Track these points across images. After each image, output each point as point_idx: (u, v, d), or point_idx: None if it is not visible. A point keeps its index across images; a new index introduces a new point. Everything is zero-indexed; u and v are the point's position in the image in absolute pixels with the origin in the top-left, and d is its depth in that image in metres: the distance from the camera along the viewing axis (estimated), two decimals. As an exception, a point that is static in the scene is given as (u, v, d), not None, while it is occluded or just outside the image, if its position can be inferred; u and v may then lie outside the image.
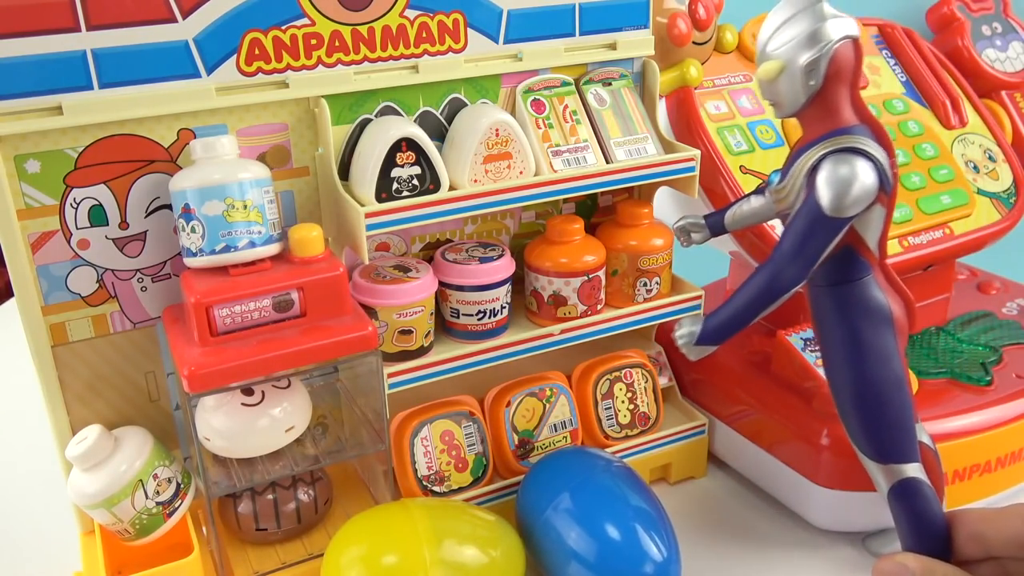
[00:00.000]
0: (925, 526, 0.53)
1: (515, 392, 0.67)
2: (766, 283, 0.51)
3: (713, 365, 0.75)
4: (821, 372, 0.67)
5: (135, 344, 0.59)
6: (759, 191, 0.60)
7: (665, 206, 0.77)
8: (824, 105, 0.51)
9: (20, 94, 0.51)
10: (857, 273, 0.53)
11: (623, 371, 0.71)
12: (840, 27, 0.50)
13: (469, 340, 0.63)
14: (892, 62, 0.80)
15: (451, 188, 0.60)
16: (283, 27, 0.56)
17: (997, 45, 0.82)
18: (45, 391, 0.57)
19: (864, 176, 0.49)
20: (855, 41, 0.50)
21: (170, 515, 0.57)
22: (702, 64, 0.72)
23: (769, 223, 0.67)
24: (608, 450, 0.67)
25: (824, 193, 0.49)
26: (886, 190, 0.51)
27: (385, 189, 0.58)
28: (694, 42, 0.71)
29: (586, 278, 0.65)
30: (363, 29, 0.58)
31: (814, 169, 0.50)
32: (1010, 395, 0.67)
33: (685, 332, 0.53)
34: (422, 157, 0.58)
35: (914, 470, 0.54)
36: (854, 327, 0.54)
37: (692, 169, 0.66)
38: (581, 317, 0.66)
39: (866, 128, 0.51)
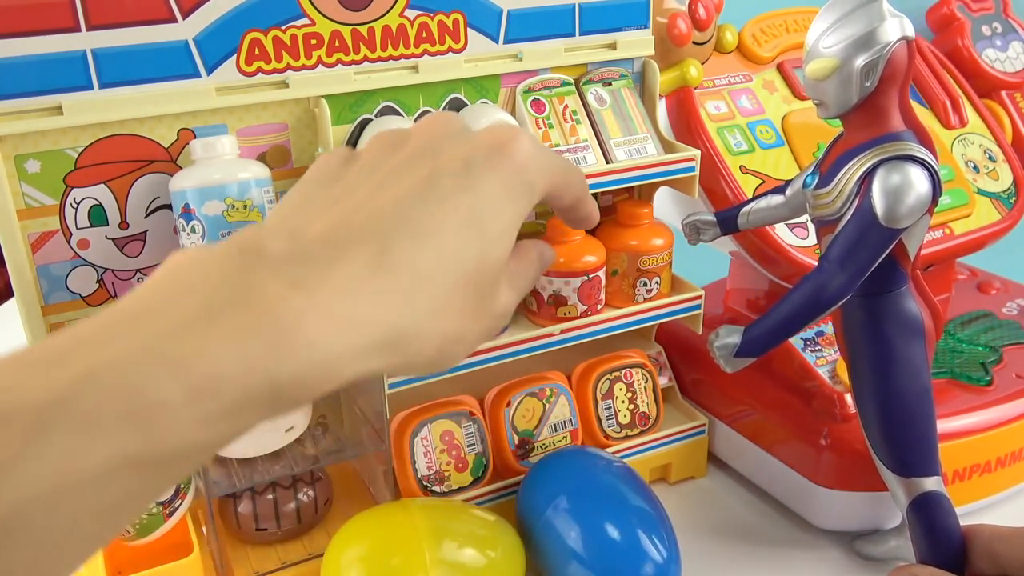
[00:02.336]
0: (942, 540, 0.52)
1: (515, 392, 0.67)
2: (812, 293, 0.49)
3: (713, 365, 0.75)
4: (821, 372, 0.67)
5: (135, 344, 0.59)
6: (778, 190, 0.59)
7: (665, 206, 0.77)
8: (874, 108, 0.49)
9: (20, 94, 0.51)
10: (894, 284, 0.53)
11: (623, 371, 0.71)
12: (898, 28, 0.48)
13: (469, 340, 0.63)
14: (892, 62, 0.80)
15: (451, 188, 0.60)
16: (283, 27, 0.56)
17: (997, 45, 0.82)
18: (45, 391, 0.57)
19: (919, 185, 0.47)
20: (910, 43, 0.49)
21: (170, 515, 0.57)
22: (702, 64, 0.72)
23: (771, 225, 0.67)
24: (608, 450, 0.67)
25: (879, 202, 0.47)
26: (936, 199, 0.49)
27: (385, 189, 0.58)
28: (694, 42, 0.71)
29: (586, 278, 0.65)
30: (363, 29, 0.58)
31: (866, 176, 0.48)
32: (1010, 395, 0.67)
33: (724, 343, 0.51)
34: (422, 157, 0.58)
35: (934, 484, 0.53)
36: (887, 339, 0.53)
37: (692, 169, 0.66)
38: (581, 317, 0.66)
39: (913, 134, 0.49)
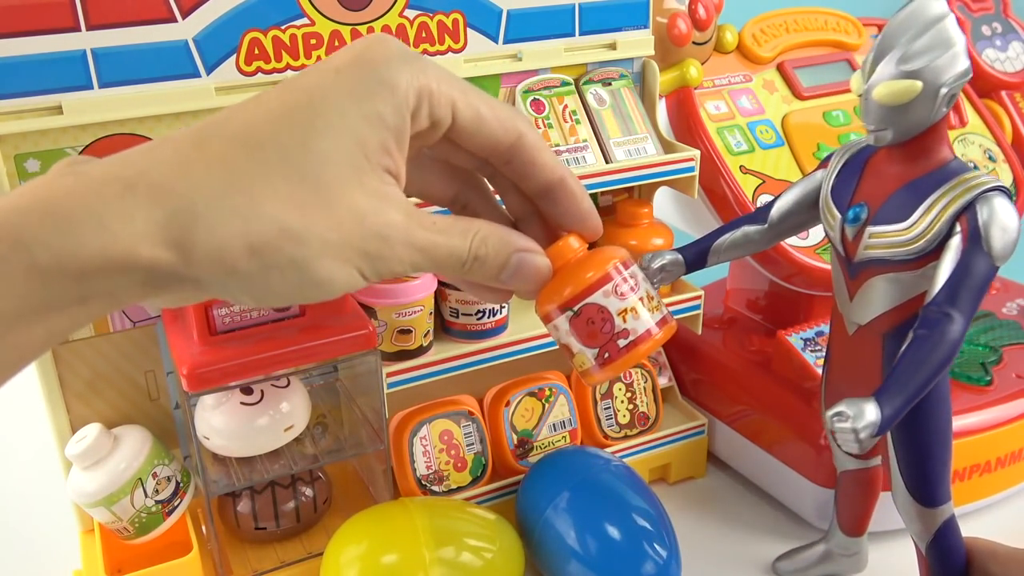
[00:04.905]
0: (954, 560, 0.52)
1: (514, 392, 0.67)
2: (947, 347, 0.43)
3: (713, 365, 0.75)
4: (821, 372, 0.67)
5: (135, 343, 0.60)
6: (754, 219, 0.54)
7: (665, 206, 0.77)
8: (936, 135, 0.47)
9: (20, 94, 0.51)
10: None
11: (623, 371, 0.71)
12: (966, 49, 0.46)
13: (468, 340, 0.63)
14: (892, 62, 0.80)
15: (450, 188, 0.60)
16: (283, 27, 0.56)
17: (997, 45, 0.82)
18: (45, 390, 0.57)
19: (1015, 218, 0.45)
20: None
21: (169, 514, 0.57)
22: (702, 64, 0.72)
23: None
24: (607, 450, 0.67)
25: (994, 240, 0.44)
26: None
27: (384, 188, 0.58)
28: (694, 42, 0.71)
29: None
30: (363, 29, 0.58)
31: (961, 213, 0.45)
32: (1010, 395, 0.67)
33: (868, 423, 0.42)
34: (421, 157, 0.58)
35: (950, 508, 0.52)
36: None
37: (692, 169, 0.67)
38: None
39: (960, 160, 0.48)
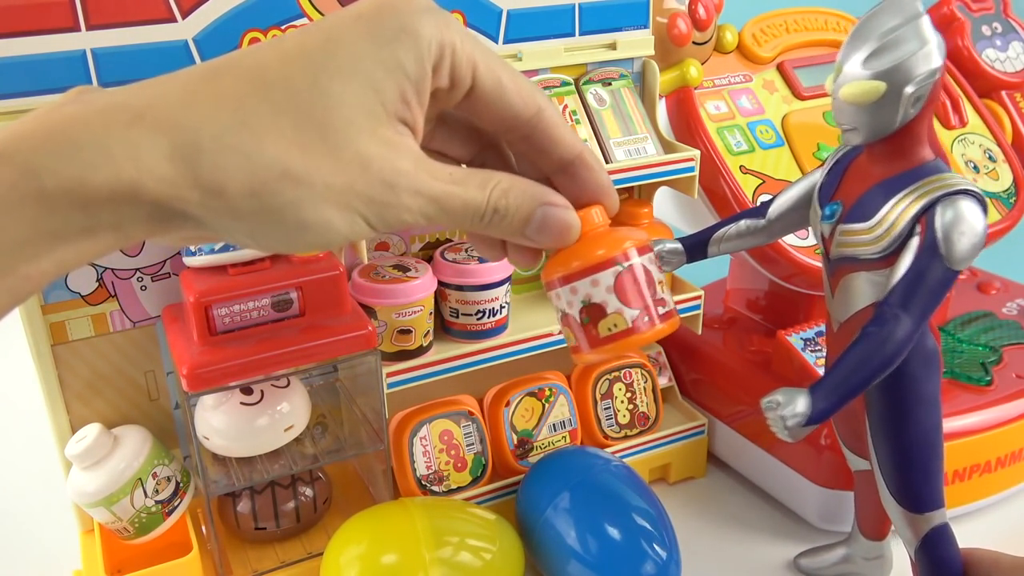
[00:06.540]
0: (948, 568, 0.51)
1: (514, 392, 0.67)
2: (880, 345, 0.43)
3: (713, 365, 0.75)
4: (821, 372, 0.67)
5: (135, 343, 0.60)
6: (754, 213, 0.55)
7: (665, 206, 0.77)
8: (910, 136, 0.46)
9: (20, 94, 0.51)
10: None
11: (622, 371, 0.71)
12: (940, 49, 0.45)
13: (468, 340, 0.63)
14: (892, 62, 0.80)
15: (450, 188, 0.60)
16: (282, 27, 0.56)
17: (997, 45, 0.82)
18: (45, 390, 0.57)
19: (979, 222, 0.44)
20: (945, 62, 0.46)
21: (169, 514, 0.57)
22: (702, 64, 0.72)
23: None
24: (607, 450, 0.67)
25: (946, 244, 0.43)
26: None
27: (384, 189, 0.58)
28: (694, 42, 0.71)
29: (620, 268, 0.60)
30: (363, 29, 0.58)
31: (922, 215, 0.44)
32: (1010, 395, 0.67)
33: (796, 413, 0.43)
34: (421, 157, 0.58)
35: (941, 516, 0.52)
36: (910, 374, 0.49)
37: (692, 169, 0.67)
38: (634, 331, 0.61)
39: (943, 161, 0.47)
